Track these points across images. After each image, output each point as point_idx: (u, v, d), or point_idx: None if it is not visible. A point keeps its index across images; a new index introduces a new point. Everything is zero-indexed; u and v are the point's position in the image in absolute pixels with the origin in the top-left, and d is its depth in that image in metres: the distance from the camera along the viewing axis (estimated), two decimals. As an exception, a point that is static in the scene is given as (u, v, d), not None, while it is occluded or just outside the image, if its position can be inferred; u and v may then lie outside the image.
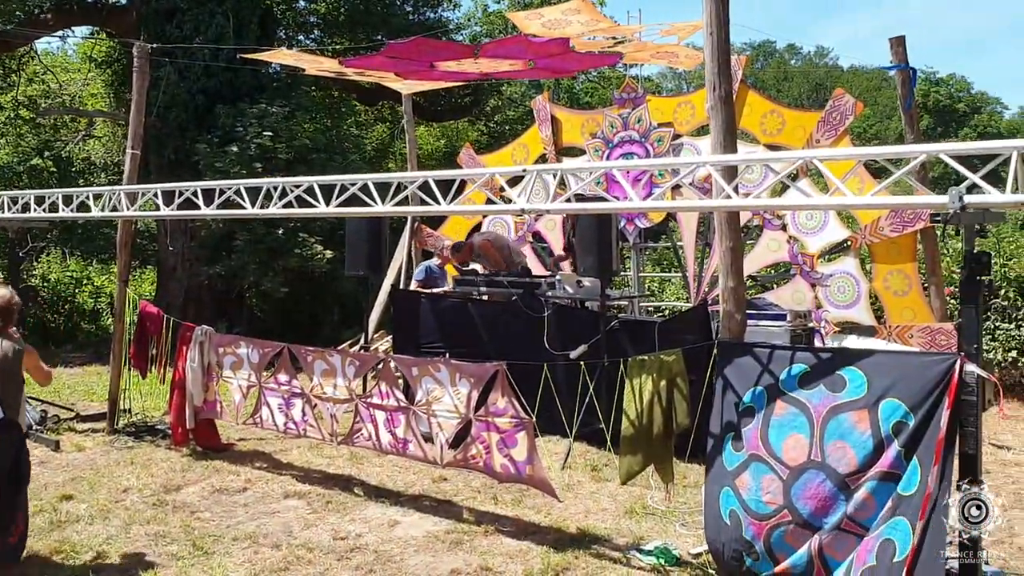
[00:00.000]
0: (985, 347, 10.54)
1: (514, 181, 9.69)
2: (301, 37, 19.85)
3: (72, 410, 9.76)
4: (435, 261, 10.64)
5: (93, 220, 13.36)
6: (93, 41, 19.62)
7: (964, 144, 4.24)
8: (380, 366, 6.93)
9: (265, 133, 14.19)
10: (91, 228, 18.69)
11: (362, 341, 9.85)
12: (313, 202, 6.65)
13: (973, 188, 4.03)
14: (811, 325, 8.40)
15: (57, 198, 8.60)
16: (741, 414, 4.88)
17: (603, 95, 23.71)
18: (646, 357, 5.67)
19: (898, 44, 8.84)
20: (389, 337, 10.94)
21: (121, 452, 8.29)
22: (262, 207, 7.01)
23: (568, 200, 5.84)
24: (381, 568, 5.49)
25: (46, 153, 19.91)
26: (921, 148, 4.38)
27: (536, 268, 11.02)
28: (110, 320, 13.43)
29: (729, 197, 4.85)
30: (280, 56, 11.25)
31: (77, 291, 18.33)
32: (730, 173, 5.08)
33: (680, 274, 11.79)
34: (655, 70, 47.20)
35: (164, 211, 7.72)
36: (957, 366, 4.07)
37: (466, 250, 10.29)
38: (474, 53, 9.03)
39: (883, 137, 45.46)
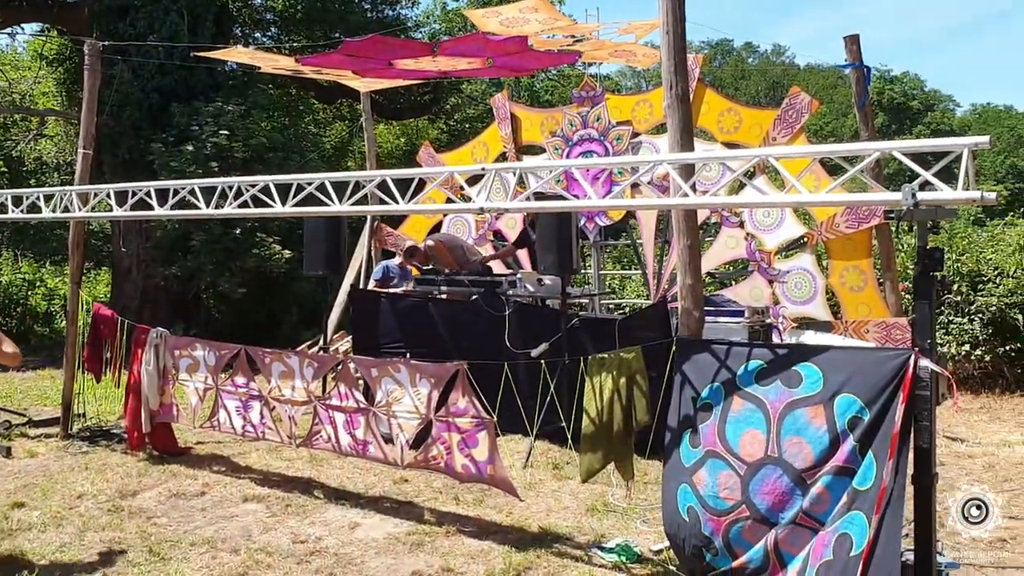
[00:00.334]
0: (939, 341, 10.72)
1: (475, 179, 9.68)
2: (258, 34, 19.68)
3: (24, 415, 9.56)
4: (395, 261, 10.56)
5: (45, 221, 13.12)
6: (43, 38, 19.26)
7: (917, 142, 4.28)
8: (339, 367, 6.87)
9: (221, 132, 14.02)
10: (44, 229, 18.39)
11: (321, 342, 9.76)
12: (269, 202, 6.57)
13: (926, 185, 4.09)
14: (769, 321, 8.49)
15: (6, 199, 8.42)
16: (698, 410, 4.90)
17: (563, 93, 23.74)
18: (606, 355, 5.68)
19: (852, 43, 8.96)
20: (349, 338, 10.86)
21: (75, 457, 8.13)
22: (217, 207, 6.91)
23: (528, 198, 5.83)
24: (341, 571, 5.45)
25: (-4, 153, 19.55)
26: (874, 146, 4.43)
27: (498, 267, 11.00)
28: (64, 323, 13.21)
29: (686, 195, 4.87)
30: (235, 54, 11.11)
31: (30, 294, 17.99)
32: (687, 171, 5.10)
33: (640, 272, 11.84)
34: (614, 68, 47.39)
35: (117, 212, 7.58)
36: (911, 361, 4.11)
37: (420, 255, 10.26)
38: (432, 51, 8.99)
39: (839, 134, 46.08)
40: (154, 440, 8.10)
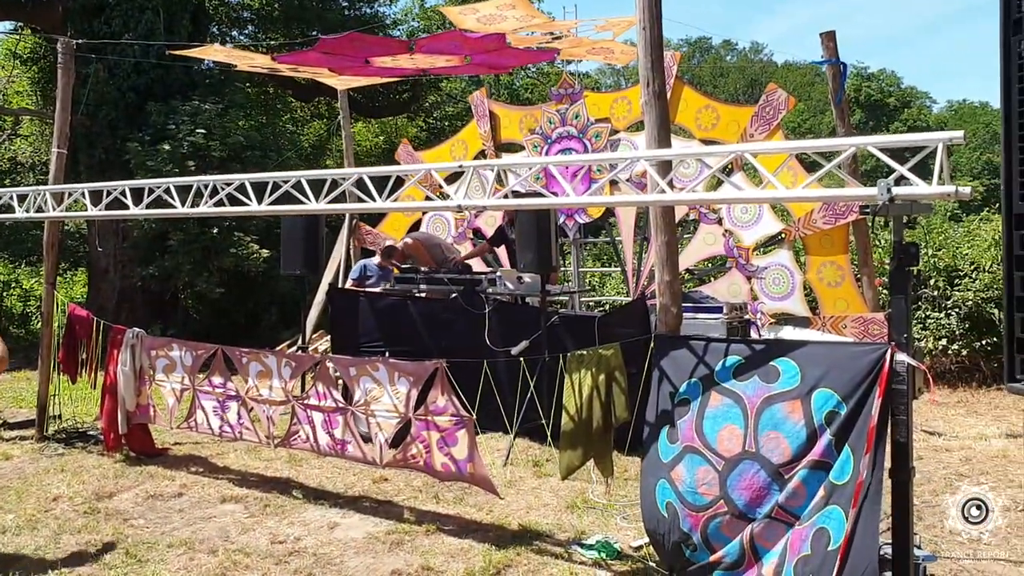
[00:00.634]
0: (916, 336, 10.80)
1: (454, 176, 9.65)
2: (235, 33, 19.55)
3: (-1, 417, 9.47)
4: (373, 260, 10.52)
5: (19, 222, 13.00)
6: (17, 37, 19.05)
7: (892, 137, 4.30)
8: (317, 367, 6.83)
9: (198, 131, 13.93)
10: (20, 230, 18.18)
11: (300, 342, 9.72)
12: (245, 200, 6.52)
13: (901, 180, 4.10)
14: (747, 317, 8.52)
15: (-21, 199, 8.33)
16: (676, 406, 4.91)
17: (543, 91, 23.71)
18: (585, 352, 5.67)
19: (828, 39, 9.01)
20: (328, 337, 10.81)
21: (51, 460, 8.06)
22: (193, 206, 6.85)
23: (506, 196, 5.81)
24: (320, 571, 5.41)
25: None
26: (850, 141, 4.44)
27: (477, 265, 10.98)
28: (40, 324, 13.08)
29: (663, 192, 4.87)
30: (211, 52, 11.04)
31: (5, 294, 17.80)
32: (664, 168, 5.10)
33: (620, 269, 11.86)
34: (594, 66, 47.47)
35: (92, 211, 7.51)
36: (888, 355, 4.13)
37: (398, 254, 10.23)
38: (409, 48, 8.95)
39: (817, 131, 46.36)
40: (131, 441, 8.03)
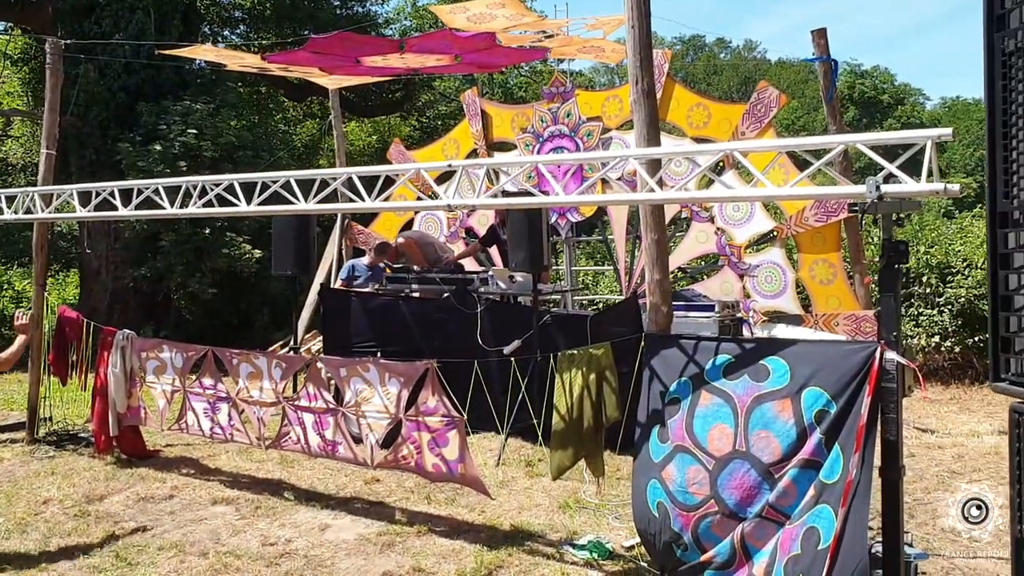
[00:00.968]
0: (909, 333, 10.81)
1: (446, 176, 9.64)
2: (226, 32, 19.49)
3: (-11, 420, 9.43)
4: (363, 260, 10.48)
5: (9, 223, 12.96)
6: (7, 37, 18.98)
7: (881, 135, 4.28)
8: (308, 368, 6.81)
9: (189, 131, 13.88)
10: (12, 231, 18.12)
11: (292, 342, 9.69)
12: (235, 201, 6.49)
13: (890, 178, 4.09)
14: (739, 315, 8.52)
15: (-33, 201, 8.28)
16: (667, 405, 4.89)
17: (537, 90, 23.68)
18: (575, 351, 5.65)
19: (819, 36, 9.00)
20: (320, 337, 10.78)
21: (42, 462, 8.02)
22: (183, 206, 6.82)
23: (496, 195, 5.79)
24: (311, 573, 5.40)
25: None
26: (839, 139, 4.43)
27: (470, 264, 10.96)
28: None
29: (653, 191, 4.85)
30: (200, 52, 11.00)
31: (-4, 296, 17.72)
32: (654, 166, 5.09)
33: (613, 267, 11.84)
34: (588, 64, 47.37)
35: (80, 212, 7.47)
36: (877, 354, 4.11)
37: (391, 252, 10.20)
38: (400, 48, 8.92)
39: (810, 128, 46.36)
40: (122, 443, 8.00)
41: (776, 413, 4.40)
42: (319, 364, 6.74)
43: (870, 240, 11.44)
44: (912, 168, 4.08)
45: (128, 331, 7.89)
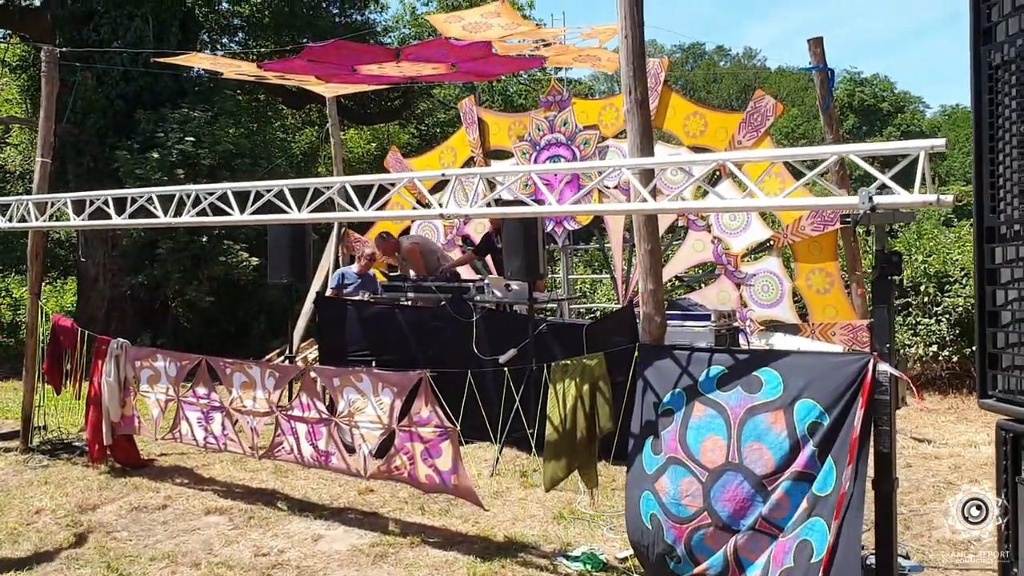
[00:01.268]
0: (907, 342, 10.78)
1: (443, 184, 9.62)
2: (225, 40, 19.48)
3: (-17, 429, 9.40)
4: (352, 268, 10.46)
5: (4, 231, 12.96)
6: (5, 45, 18.98)
7: (873, 145, 4.27)
8: (301, 377, 6.78)
9: (187, 138, 13.85)
10: (10, 239, 18.11)
11: (288, 351, 9.66)
12: (228, 210, 6.47)
13: (884, 188, 4.07)
14: (736, 325, 8.49)
15: (-38, 209, 8.26)
16: (660, 416, 4.87)
17: (537, 98, 23.68)
18: (569, 361, 5.63)
19: (816, 45, 8.99)
20: (317, 346, 10.75)
21: (35, 471, 7.99)
22: (177, 215, 6.81)
23: (489, 204, 5.78)
24: (302, 584, 5.37)
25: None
26: (832, 149, 4.41)
27: (466, 272, 10.95)
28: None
29: (645, 200, 4.83)
30: (196, 60, 10.99)
31: (-6, 304, 17.73)
32: (647, 176, 5.07)
33: (610, 276, 11.83)
34: (588, 73, 47.42)
35: (75, 221, 7.46)
36: (871, 365, 4.09)
37: (392, 244, 10.15)
38: (395, 56, 8.92)
39: (810, 136, 46.35)
40: (116, 453, 7.97)
41: (769, 425, 4.38)
42: (312, 374, 6.72)
43: (867, 249, 11.41)
44: (908, 178, 4.06)
45: (122, 340, 7.86)
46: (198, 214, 6.65)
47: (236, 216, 6.38)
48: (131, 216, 7.09)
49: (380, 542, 6.00)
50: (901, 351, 10.68)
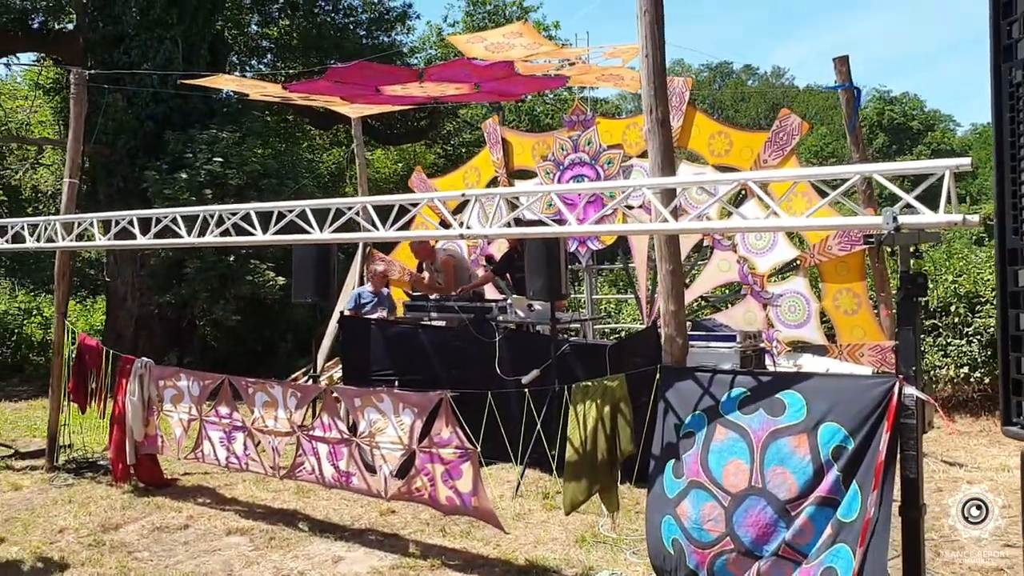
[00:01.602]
0: (938, 363, 10.59)
1: (465, 204, 9.62)
2: (254, 62, 19.70)
3: (10, 447, 9.48)
4: (367, 287, 10.49)
5: (31, 251, 13.11)
6: (39, 68, 19.32)
7: (897, 164, 4.20)
8: (322, 397, 6.77)
9: (215, 159, 13.99)
10: (42, 258, 18.36)
11: (313, 370, 9.68)
12: (251, 230, 6.50)
13: (908, 208, 4.00)
14: (761, 346, 8.37)
15: (-10, 229, 8.37)
16: (681, 439, 4.80)
17: (563, 117, 23.68)
18: (589, 383, 5.58)
19: (842, 64, 8.91)
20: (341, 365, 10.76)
21: (60, 490, 8.04)
22: (200, 235, 6.85)
23: (508, 224, 5.75)
24: (321, 607, 5.33)
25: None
26: (855, 169, 4.35)
27: (492, 292, 10.92)
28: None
29: (666, 221, 4.79)
30: (222, 81, 11.09)
31: (25, 322, 17.92)
32: (668, 196, 5.03)
33: (634, 295, 11.75)
34: (614, 92, 47.45)
35: (100, 241, 7.52)
36: (896, 389, 4.01)
37: (429, 248, 10.14)
38: (419, 77, 8.95)
39: (840, 155, 46.04)
40: (139, 472, 7.99)
41: (792, 449, 4.30)
42: (333, 394, 6.71)
43: (896, 269, 11.24)
44: (935, 198, 3.98)
45: (146, 359, 7.91)
46: (222, 234, 6.68)
47: (259, 236, 6.39)
48: (156, 236, 7.13)
49: (400, 564, 5.95)
50: (931, 372, 10.49)
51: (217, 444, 7.29)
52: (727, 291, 11.01)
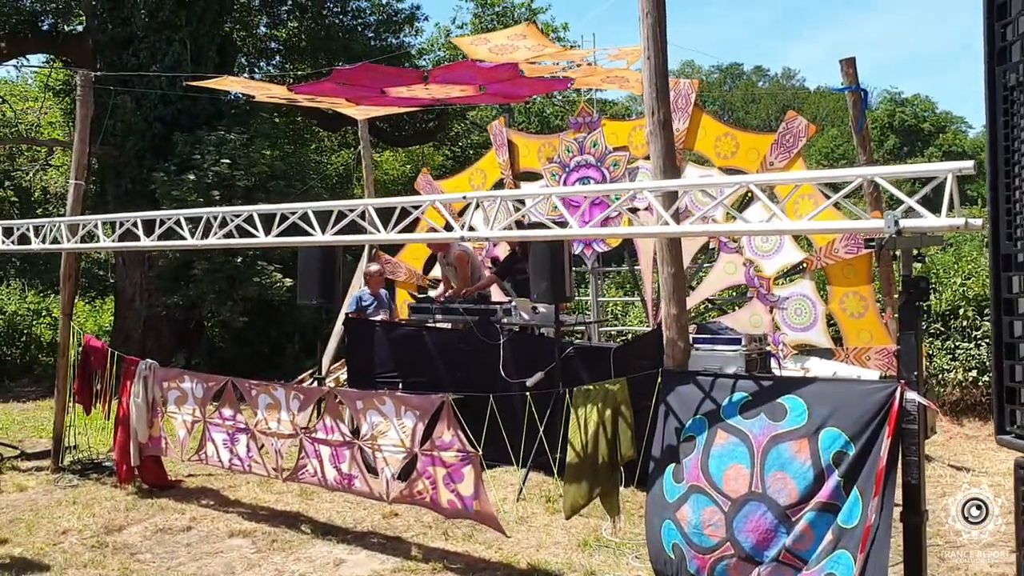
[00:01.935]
0: (946, 367, 10.53)
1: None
2: (262, 63, 19.73)
3: (17, 448, 9.51)
4: (366, 290, 10.48)
5: (37, 253, 13.14)
6: (48, 69, 19.40)
7: (900, 168, 4.17)
8: (325, 400, 6.77)
9: (223, 160, 13.99)
10: (52, 260, 18.41)
11: (318, 372, 9.68)
12: (254, 232, 6.50)
13: (911, 212, 3.96)
14: (767, 349, 8.32)
15: (-2, 230, 8.39)
16: (682, 443, 4.77)
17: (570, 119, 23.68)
18: (591, 387, 5.56)
19: (848, 66, 8.86)
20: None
21: (64, 491, 8.05)
22: (204, 237, 6.85)
23: (509, 227, 5.73)
24: (321, 610, 5.32)
25: (6, 183, 19.62)
26: (858, 172, 4.32)
27: (498, 294, 10.89)
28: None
29: (668, 223, 4.76)
30: (228, 83, 11.10)
31: (34, 323, 17.97)
32: (669, 199, 5.00)
33: (640, 298, 11.71)
34: (623, 94, 47.32)
35: (105, 243, 7.54)
36: (897, 394, 3.98)
37: (445, 244, 10.08)
38: (423, 79, 8.93)
39: (850, 157, 45.84)
40: (143, 473, 8.01)
41: (793, 454, 4.27)
42: (335, 396, 6.70)
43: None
44: (939, 202, 3.95)
45: (151, 360, 7.93)
46: (225, 236, 6.68)
47: (262, 238, 6.40)
48: (161, 238, 7.14)
49: (401, 567, 5.94)
50: (939, 376, 10.43)
51: (220, 446, 7.29)
52: (733, 294, 10.97)
